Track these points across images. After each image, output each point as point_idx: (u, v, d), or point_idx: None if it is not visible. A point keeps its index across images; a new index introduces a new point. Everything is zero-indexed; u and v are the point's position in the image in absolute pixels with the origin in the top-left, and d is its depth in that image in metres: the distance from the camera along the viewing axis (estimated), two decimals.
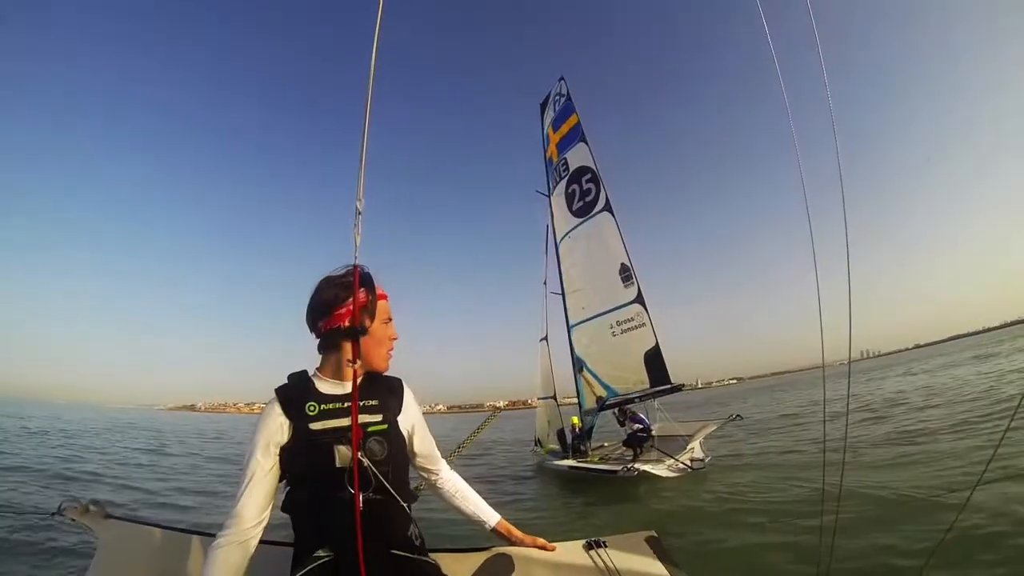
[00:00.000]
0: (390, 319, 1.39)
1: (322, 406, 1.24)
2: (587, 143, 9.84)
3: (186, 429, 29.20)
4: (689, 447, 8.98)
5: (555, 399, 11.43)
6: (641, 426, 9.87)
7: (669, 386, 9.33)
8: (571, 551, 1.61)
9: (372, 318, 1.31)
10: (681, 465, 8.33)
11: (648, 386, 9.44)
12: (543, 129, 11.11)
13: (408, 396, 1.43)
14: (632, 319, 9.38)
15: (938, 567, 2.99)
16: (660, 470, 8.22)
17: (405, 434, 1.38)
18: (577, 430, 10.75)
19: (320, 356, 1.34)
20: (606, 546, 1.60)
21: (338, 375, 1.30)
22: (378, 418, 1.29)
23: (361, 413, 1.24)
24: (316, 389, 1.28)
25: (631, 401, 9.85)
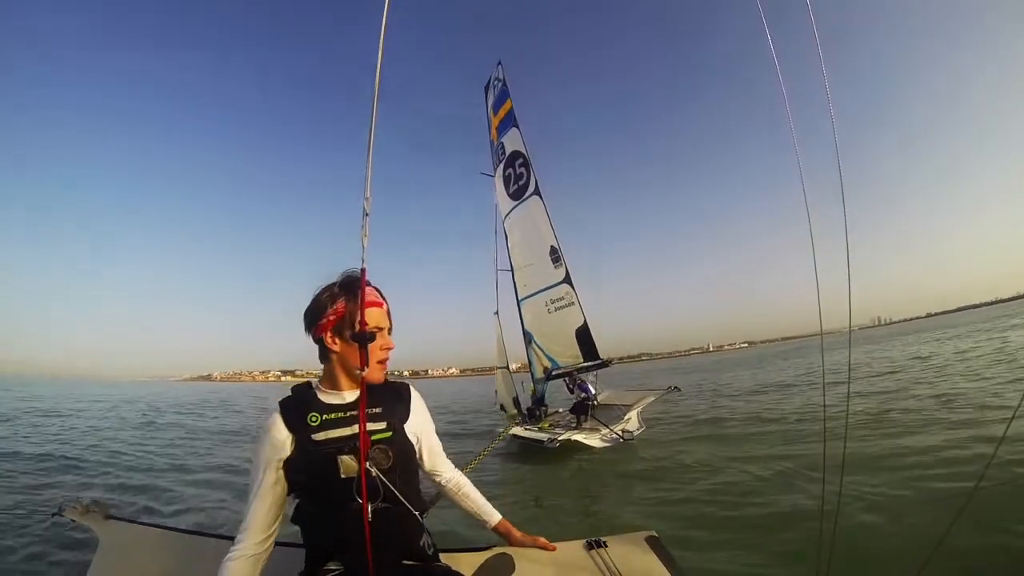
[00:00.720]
0: (381, 328, 1.31)
1: (324, 416, 1.23)
2: (519, 128, 10.11)
3: (189, 400, 30.28)
4: (626, 417, 9.59)
5: (508, 368, 12.14)
6: (585, 395, 10.52)
7: (599, 361, 9.97)
8: (572, 551, 1.62)
9: (351, 328, 1.25)
10: (614, 435, 8.78)
11: (581, 360, 10.07)
12: (487, 111, 11.40)
13: (416, 401, 1.42)
14: (563, 298, 9.96)
15: (938, 567, 2.89)
16: (593, 440, 8.69)
17: (413, 439, 1.37)
18: (532, 397, 11.46)
19: (322, 367, 1.35)
20: (606, 546, 1.60)
21: (335, 385, 1.30)
22: (382, 425, 1.28)
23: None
24: (319, 400, 1.27)
25: (570, 373, 10.49)
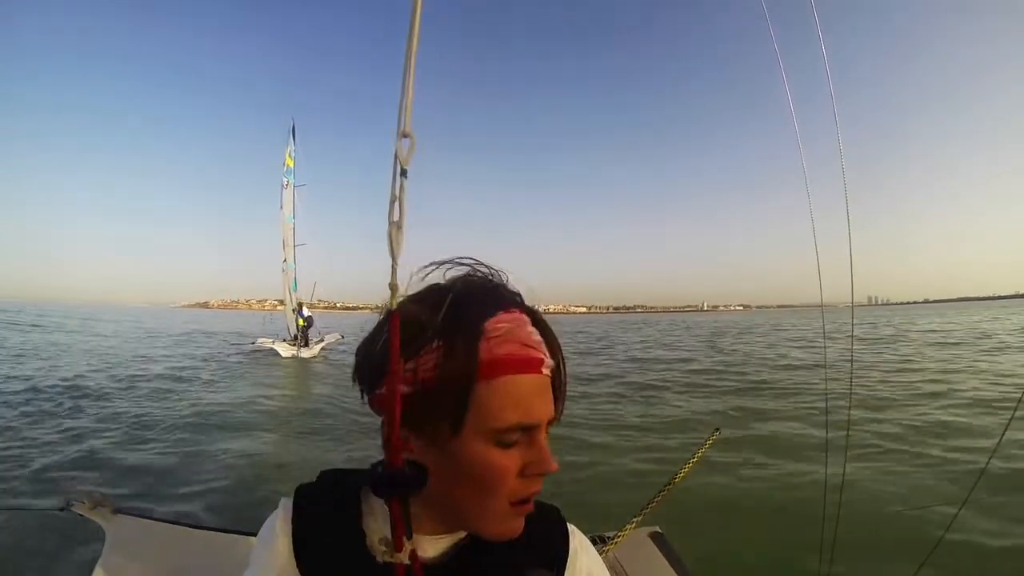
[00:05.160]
0: (534, 427, 0.45)
1: None
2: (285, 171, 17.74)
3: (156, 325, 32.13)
4: (316, 344, 15.15)
5: (292, 305, 18.04)
6: (303, 318, 16.15)
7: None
8: None
9: (455, 410, 0.43)
10: (296, 353, 14.01)
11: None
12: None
13: (582, 553, 0.57)
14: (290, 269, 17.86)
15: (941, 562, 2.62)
16: (282, 348, 14.44)
17: None
18: (299, 327, 16.02)
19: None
20: (610, 542, 1.44)
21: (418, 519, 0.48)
22: None
23: None
24: (360, 535, 0.49)
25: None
